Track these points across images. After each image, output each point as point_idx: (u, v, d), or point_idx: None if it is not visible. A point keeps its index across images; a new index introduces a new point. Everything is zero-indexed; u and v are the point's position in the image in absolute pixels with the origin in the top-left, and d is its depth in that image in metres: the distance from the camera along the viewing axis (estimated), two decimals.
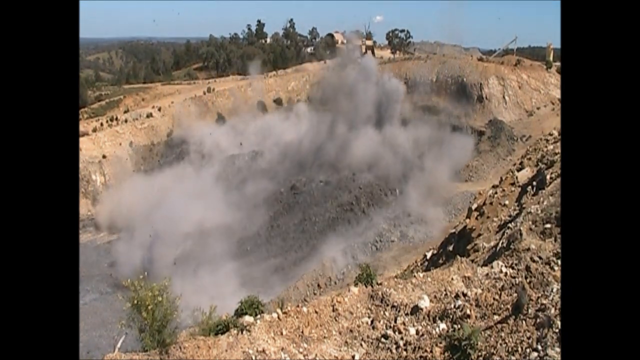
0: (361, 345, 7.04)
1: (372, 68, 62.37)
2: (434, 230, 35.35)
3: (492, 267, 8.06)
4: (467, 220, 17.61)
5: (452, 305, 7.12)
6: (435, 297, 7.67)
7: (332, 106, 59.88)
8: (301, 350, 6.92)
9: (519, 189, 15.29)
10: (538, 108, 56.11)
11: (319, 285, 32.08)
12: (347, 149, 49.36)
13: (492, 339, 5.91)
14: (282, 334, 7.18)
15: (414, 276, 8.49)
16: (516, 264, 7.82)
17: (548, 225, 8.68)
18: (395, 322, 7.24)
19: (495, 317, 6.47)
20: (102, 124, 59.42)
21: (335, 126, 53.65)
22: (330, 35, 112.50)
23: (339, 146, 50.50)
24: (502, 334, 5.90)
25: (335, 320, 7.52)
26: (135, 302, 6.59)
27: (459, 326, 6.26)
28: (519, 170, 17.59)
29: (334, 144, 51.38)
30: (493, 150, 48.05)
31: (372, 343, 7.01)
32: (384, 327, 7.24)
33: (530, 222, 9.20)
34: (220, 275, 34.63)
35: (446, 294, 7.64)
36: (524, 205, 12.08)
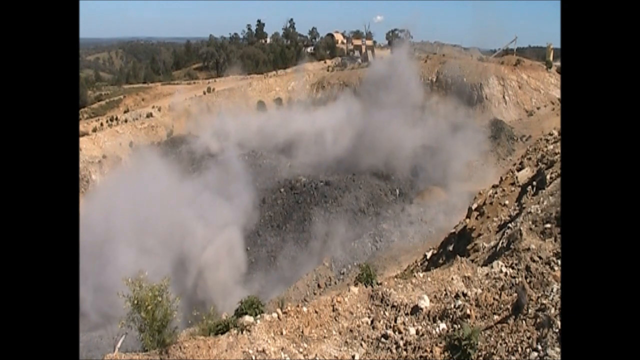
0: (361, 345, 7.03)
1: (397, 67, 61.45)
2: (434, 230, 35.30)
3: (492, 267, 8.06)
4: (467, 220, 17.58)
5: (452, 305, 7.12)
6: (435, 297, 7.67)
7: (335, 104, 59.82)
8: (301, 350, 6.92)
9: (519, 189, 15.27)
10: (538, 108, 56.13)
11: (319, 285, 32.04)
12: (349, 148, 49.34)
13: (492, 339, 5.91)
14: (282, 334, 7.18)
15: (414, 276, 8.49)
16: (516, 264, 7.82)
17: (548, 225, 8.67)
18: (395, 322, 7.24)
19: (495, 317, 6.47)
20: (102, 124, 59.46)
21: (338, 125, 53.62)
22: (330, 35, 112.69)
23: (342, 146, 50.48)
24: (502, 334, 5.90)
25: (335, 320, 7.52)
26: (136, 301, 6.59)
27: (459, 326, 6.26)
28: (519, 170, 17.56)
29: (335, 144, 51.36)
30: (493, 150, 48.04)
31: (372, 343, 7.01)
32: (384, 327, 7.24)
33: (530, 222, 9.19)
34: (220, 275, 34.60)
35: (446, 294, 7.64)
36: (524, 205, 12.06)
